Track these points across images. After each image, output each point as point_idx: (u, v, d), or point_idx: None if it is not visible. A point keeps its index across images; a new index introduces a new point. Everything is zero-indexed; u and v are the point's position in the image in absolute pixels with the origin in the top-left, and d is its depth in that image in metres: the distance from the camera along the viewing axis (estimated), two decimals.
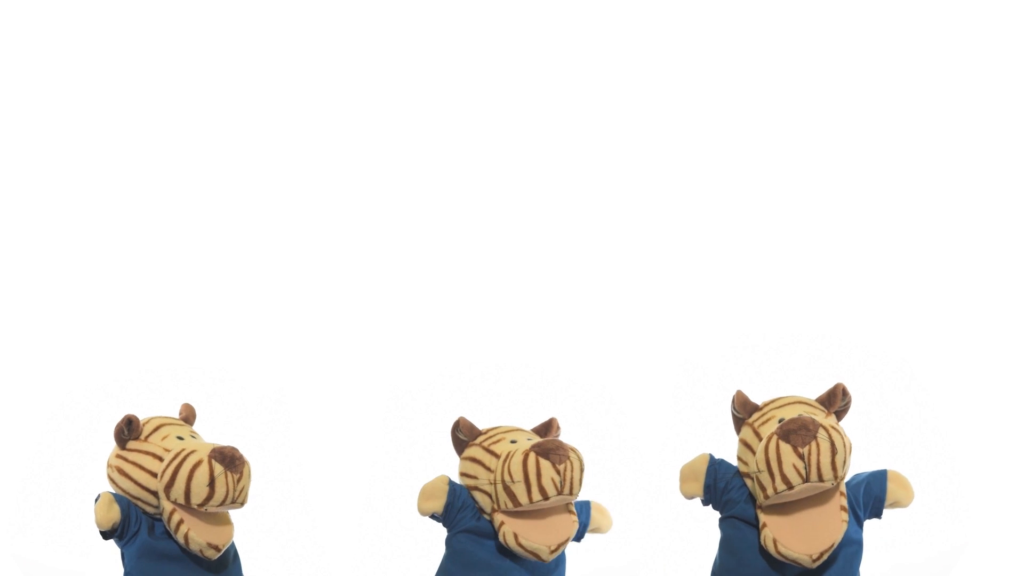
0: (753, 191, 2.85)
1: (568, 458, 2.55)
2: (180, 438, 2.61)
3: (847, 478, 2.52)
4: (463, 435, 2.66)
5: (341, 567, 2.88)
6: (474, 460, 2.64)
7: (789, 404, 2.53)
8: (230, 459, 2.53)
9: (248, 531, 2.71)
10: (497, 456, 2.63)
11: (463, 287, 2.99)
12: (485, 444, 2.65)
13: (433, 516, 2.64)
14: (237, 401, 2.88)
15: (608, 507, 2.73)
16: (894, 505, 2.53)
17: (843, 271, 2.94)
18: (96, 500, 2.56)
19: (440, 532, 2.67)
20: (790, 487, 2.41)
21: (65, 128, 3.05)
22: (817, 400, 2.54)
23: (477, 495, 2.62)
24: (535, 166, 2.93)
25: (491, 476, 2.63)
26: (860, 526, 2.49)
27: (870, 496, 2.50)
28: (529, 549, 2.56)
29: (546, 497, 2.55)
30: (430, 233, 3.00)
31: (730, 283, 2.93)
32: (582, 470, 2.57)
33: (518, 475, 2.56)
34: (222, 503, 2.54)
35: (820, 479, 2.40)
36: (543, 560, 2.56)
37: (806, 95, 2.81)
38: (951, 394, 2.91)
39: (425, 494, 2.63)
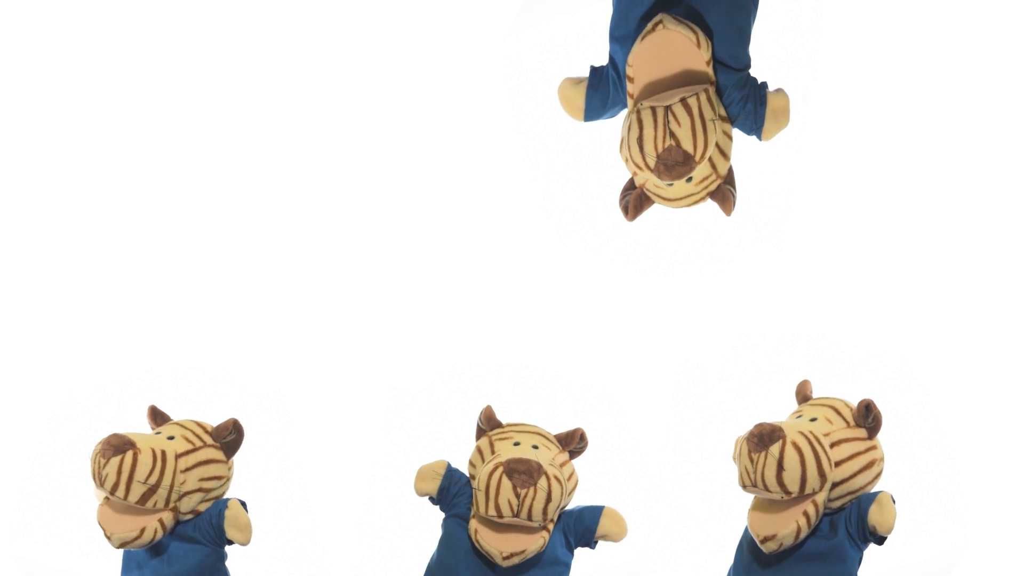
0: (753, 191, 2.84)
1: (535, 485, 2.55)
2: (158, 433, 2.66)
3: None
4: (483, 424, 2.69)
5: (341, 567, 2.88)
6: (478, 450, 2.67)
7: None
8: (103, 443, 2.58)
9: None
10: (493, 453, 2.65)
11: (463, 287, 2.99)
12: (493, 437, 2.67)
13: (430, 499, 2.66)
14: (237, 401, 2.88)
15: (623, 514, 2.71)
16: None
17: (843, 271, 2.94)
18: None
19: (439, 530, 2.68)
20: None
21: (64, 131, 3.05)
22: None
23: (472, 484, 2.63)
24: (532, 165, 2.93)
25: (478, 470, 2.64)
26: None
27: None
28: (484, 548, 2.58)
29: (500, 515, 2.56)
30: (430, 233, 3.00)
31: (730, 283, 2.93)
32: (548, 501, 2.56)
33: (483, 484, 2.57)
34: (97, 485, 2.59)
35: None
36: (498, 563, 2.58)
37: (805, 94, 2.81)
38: (951, 394, 2.91)
39: (420, 474, 2.66)
